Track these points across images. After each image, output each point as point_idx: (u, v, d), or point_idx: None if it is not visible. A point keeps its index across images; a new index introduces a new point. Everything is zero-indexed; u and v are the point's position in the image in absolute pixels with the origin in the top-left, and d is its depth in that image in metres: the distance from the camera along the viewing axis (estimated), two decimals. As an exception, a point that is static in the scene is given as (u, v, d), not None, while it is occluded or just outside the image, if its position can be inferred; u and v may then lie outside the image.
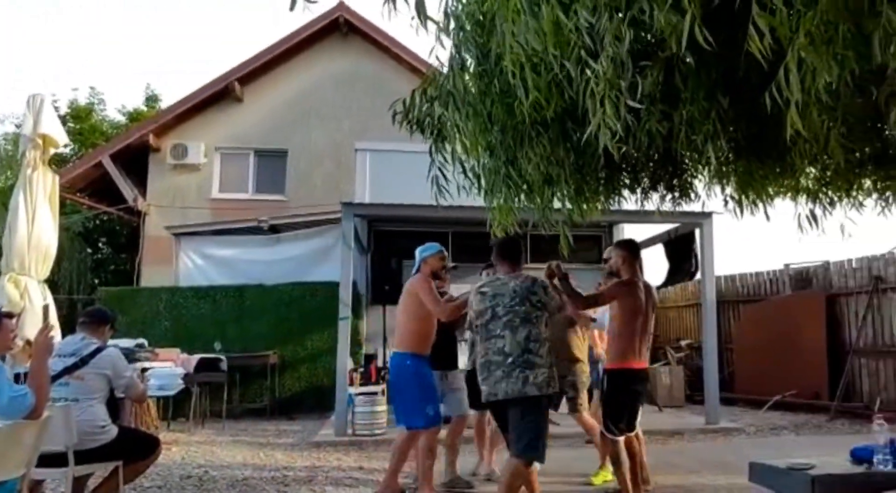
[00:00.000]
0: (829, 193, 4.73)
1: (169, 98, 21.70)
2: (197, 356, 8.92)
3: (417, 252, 5.15)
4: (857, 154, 4.20)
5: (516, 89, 2.93)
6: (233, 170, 13.97)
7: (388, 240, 11.51)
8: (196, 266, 11.34)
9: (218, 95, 13.73)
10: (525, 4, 2.59)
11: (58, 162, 16.44)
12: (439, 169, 3.94)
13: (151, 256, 13.04)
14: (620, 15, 2.51)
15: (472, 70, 3.41)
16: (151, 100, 21.27)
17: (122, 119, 20.78)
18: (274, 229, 11.39)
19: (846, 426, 8.67)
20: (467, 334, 5.67)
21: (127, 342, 8.10)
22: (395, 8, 2.70)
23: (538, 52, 2.69)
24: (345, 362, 8.11)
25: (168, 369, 7.69)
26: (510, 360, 3.98)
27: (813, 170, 4.53)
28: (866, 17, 2.29)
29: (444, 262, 5.23)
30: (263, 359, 9.92)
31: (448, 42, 3.39)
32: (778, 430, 8.40)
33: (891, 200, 4.69)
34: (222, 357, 9.14)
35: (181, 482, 5.76)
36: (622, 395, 4.75)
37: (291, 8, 2.53)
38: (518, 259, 4.28)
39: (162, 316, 10.43)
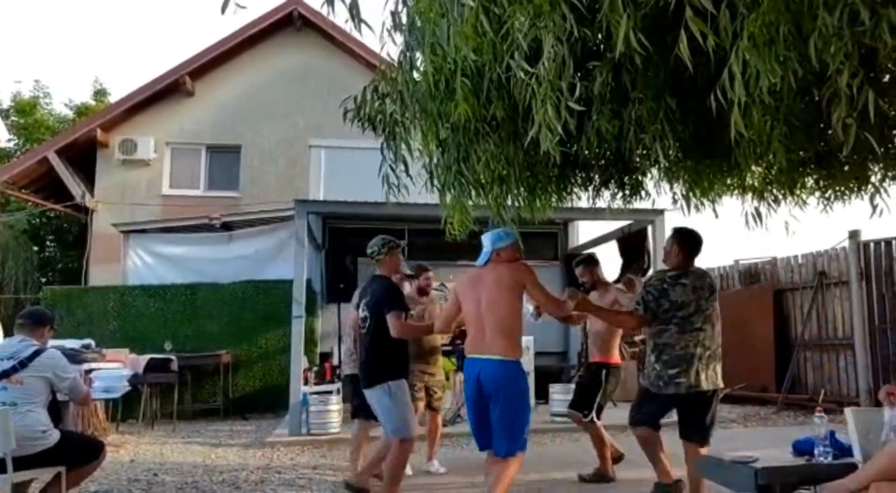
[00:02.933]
0: (774, 191, 4.84)
1: (118, 92, 21.23)
2: (146, 357, 8.76)
3: (490, 239, 4.20)
4: (801, 154, 4.31)
5: (459, 91, 2.94)
6: (184, 166, 13.66)
7: (344, 237, 11.42)
8: (146, 264, 11.09)
9: (168, 89, 13.41)
10: (448, 5, 2.61)
11: None
12: (390, 166, 3.91)
13: (100, 254, 12.70)
14: (564, 21, 2.52)
15: (421, 68, 3.39)
16: (100, 94, 20.77)
17: (69, 113, 20.25)
18: (226, 227, 11.20)
19: (792, 417, 8.92)
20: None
21: (73, 343, 7.89)
22: (332, 10, 2.68)
23: (468, 59, 2.73)
24: (299, 361, 8.04)
25: (113, 370, 7.50)
26: (709, 353, 4.25)
27: (758, 169, 4.63)
28: (805, 19, 2.33)
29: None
30: (216, 359, 9.76)
31: (399, 38, 3.38)
32: (727, 423, 8.58)
33: (832, 198, 4.82)
34: (173, 357, 8.97)
35: (128, 486, 5.63)
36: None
37: (223, 11, 2.48)
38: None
39: (110, 316, 10.19)
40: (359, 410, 5.33)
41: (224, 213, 11.30)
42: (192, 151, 13.72)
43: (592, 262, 5.82)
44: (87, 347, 7.91)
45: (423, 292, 5.84)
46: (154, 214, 12.59)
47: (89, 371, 7.08)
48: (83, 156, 13.39)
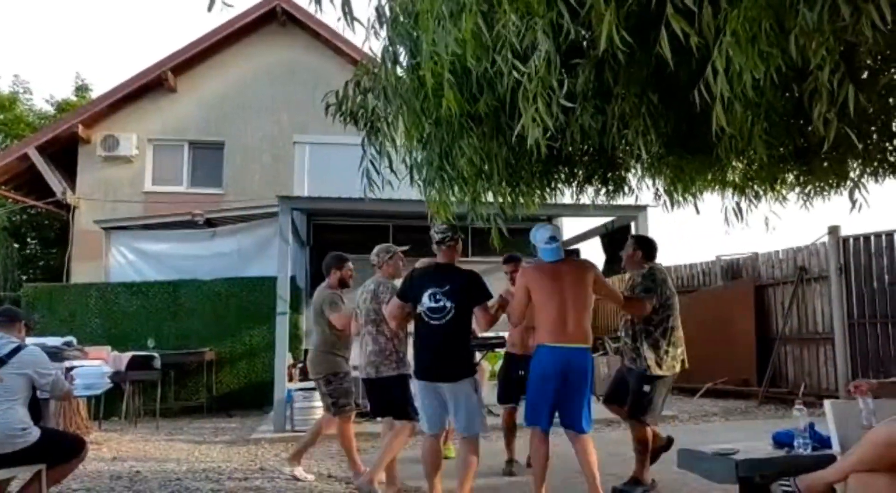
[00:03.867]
0: (755, 186, 4.89)
1: (100, 88, 21.03)
2: (129, 354, 8.70)
3: (552, 234, 4.53)
4: (781, 149, 4.35)
5: (445, 87, 2.94)
6: (167, 162, 13.57)
7: (329, 234, 11.39)
8: (128, 261, 11.00)
9: (151, 85, 13.31)
10: (446, 11, 2.61)
11: (-21, 153, 15.71)
12: (371, 161, 3.91)
13: (82, 251, 12.60)
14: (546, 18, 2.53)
15: (404, 63, 3.39)
16: (81, 90, 20.56)
17: (49, 109, 20.03)
18: (209, 223, 11.14)
19: (772, 411, 9.02)
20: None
21: (54, 340, 7.84)
22: (320, 8, 2.68)
23: (460, 56, 2.73)
24: (283, 357, 8.01)
25: (95, 367, 7.45)
26: None
27: (739, 164, 4.67)
28: (787, 15, 2.35)
29: None
30: (199, 356, 9.71)
31: (382, 33, 3.38)
32: (709, 416, 8.66)
33: (812, 193, 4.88)
34: (155, 355, 8.91)
35: (111, 483, 5.59)
36: None
37: (209, 9, 2.46)
38: None
39: (92, 313, 10.10)
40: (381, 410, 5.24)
41: (207, 210, 11.24)
42: (174, 148, 13.63)
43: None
44: (68, 344, 7.87)
45: (343, 283, 5.76)
46: (136, 211, 12.50)
47: (70, 369, 7.03)
48: (64, 152, 13.28)
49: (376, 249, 5.27)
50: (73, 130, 12.96)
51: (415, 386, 4.71)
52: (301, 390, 7.83)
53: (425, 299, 4.35)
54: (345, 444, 5.53)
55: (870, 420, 3.09)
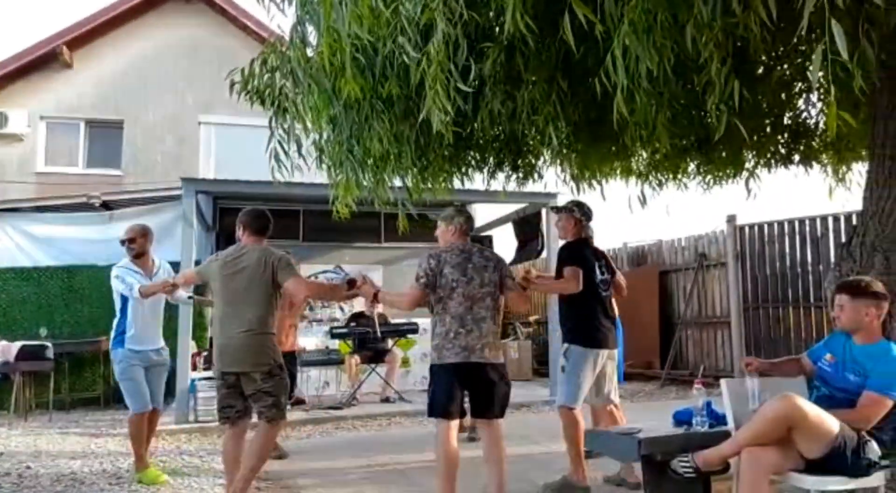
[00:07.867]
0: (659, 175, 5.06)
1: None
2: (18, 344, 8.22)
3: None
4: (683, 141, 4.51)
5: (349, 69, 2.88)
6: (61, 142, 12.86)
7: (236, 218, 11.06)
8: (17, 246, 10.33)
9: (44, 60, 12.56)
10: None
11: None
12: (279, 142, 3.80)
13: (-34, 234, 11.77)
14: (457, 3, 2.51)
15: (314, 43, 3.30)
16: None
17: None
18: (107, 206, 10.60)
19: (674, 392, 9.40)
20: None
21: (-66, 331, 7.30)
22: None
23: (360, 37, 2.68)
24: (186, 346, 7.74)
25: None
26: None
27: (644, 153, 4.82)
28: (682, 9, 2.42)
29: None
30: (96, 345, 9.20)
31: (290, 11, 3.28)
32: (615, 399, 8.93)
33: (711, 182, 5.09)
34: (48, 344, 8.43)
35: (-3, 481, 5.27)
36: None
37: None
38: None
39: (-22, 301, 9.45)
40: None
41: (105, 192, 10.69)
42: (69, 126, 12.93)
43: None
44: (-51, 334, 7.34)
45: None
46: (27, 193, 11.79)
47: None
48: (-54, 128, 12.36)
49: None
50: (-44, 105, 12.10)
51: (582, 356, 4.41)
52: (205, 379, 7.59)
53: (597, 271, 4.46)
54: None
55: (762, 398, 3.25)
